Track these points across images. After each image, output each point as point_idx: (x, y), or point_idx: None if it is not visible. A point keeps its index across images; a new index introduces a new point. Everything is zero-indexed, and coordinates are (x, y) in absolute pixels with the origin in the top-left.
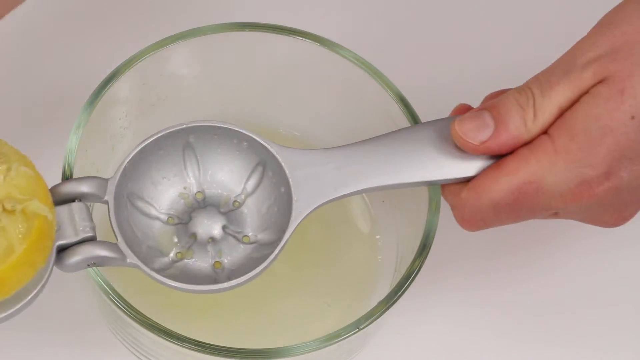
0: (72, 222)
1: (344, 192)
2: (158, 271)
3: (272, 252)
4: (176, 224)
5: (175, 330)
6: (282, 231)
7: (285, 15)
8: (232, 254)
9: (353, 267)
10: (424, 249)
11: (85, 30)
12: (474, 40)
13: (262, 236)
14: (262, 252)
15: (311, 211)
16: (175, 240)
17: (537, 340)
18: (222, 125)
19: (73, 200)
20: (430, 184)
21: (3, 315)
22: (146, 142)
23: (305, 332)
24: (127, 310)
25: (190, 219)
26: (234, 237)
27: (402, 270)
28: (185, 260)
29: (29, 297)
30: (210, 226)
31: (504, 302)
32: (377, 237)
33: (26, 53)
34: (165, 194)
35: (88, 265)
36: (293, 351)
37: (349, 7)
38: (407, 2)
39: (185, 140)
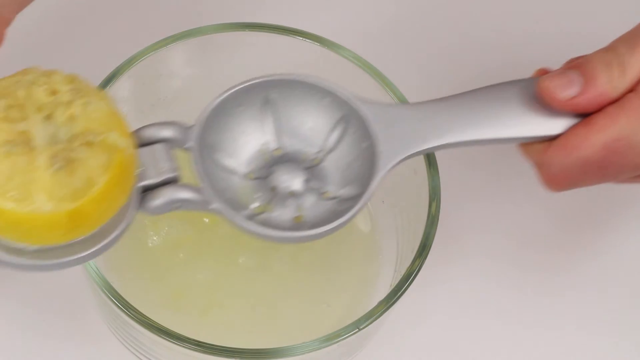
0: (155, 163)
1: (428, 145)
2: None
3: (355, 204)
4: (256, 179)
5: (175, 330)
6: (365, 185)
7: (286, 15)
8: (313, 209)
9: (353, 267)
10: (424, 249)
11: (85, 31)
12: (475, 41)
13: (343, 191)
14: (344, 205)
15: (395, 164)
16: (255, 194)
17: (540, 342)
18: (303, 80)
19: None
20: (514, 141)
21: (83, 254)
22: (226, 94)
23: (305, 332)
24: (127, 310)
25: (270, 173)
26: (315, 192)
27: (402, 271)
28: (266, 214)
29: (111, 238)
30: (290, 181)
31: (504, 302)
32: (377, 237)
33: (27, 53)
34: (244, 148)
35: (172, 208)
36: (293, 351)
37: (350, 7)
38: (408, 1)
39: (265, 95)
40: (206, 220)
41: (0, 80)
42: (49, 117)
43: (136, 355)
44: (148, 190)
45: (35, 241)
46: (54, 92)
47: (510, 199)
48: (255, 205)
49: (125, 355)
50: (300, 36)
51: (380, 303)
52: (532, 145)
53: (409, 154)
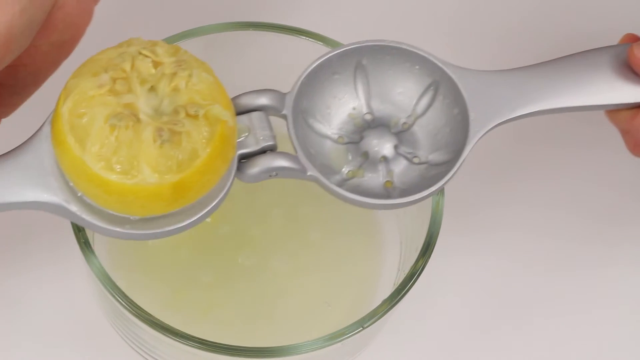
0: (253, 131)
1: (520, 112)
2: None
3: (446, 171)
4: (347, 143)
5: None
6: (455, 152)
7: (288, 14)
8: (404, 174)
9: (357, 266)
10: (428, 248)
11: (87, 29)
12: (478, 40)
13: (433, 157)
14: (434, 171)
15: (487, 131)
16: (347, 159)
17: (542, 343)
18: (396, 46)
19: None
20: (602, 108)
21: (185, 223)
22: (320, 60)
23: (309, 331)
24: (130, 307)
25: (361, 138)
26: (405, 157)
27: (406, 270)
28: (357, 179)
29: (211, 206)
30: (381, 145)
31: (506, 301)
32: (380, 236)
33: None
34: (335, 113)
35: (269, 176)
36: (297, 349)
37: (353, 6)
38: (411, 1)
39: (357, 61)
40: (208, 219)
41: (105, 51)
42: (153, 89)
43: (139, 353)
44: (246, 157)
45: (139, 212)
46: (157, 64)
47: (513, 198)
48: (346, 169)
49: (127, 352)
50: (304, 35)
51: (384, 302)
52: (620, 112)
53: (499, 122)
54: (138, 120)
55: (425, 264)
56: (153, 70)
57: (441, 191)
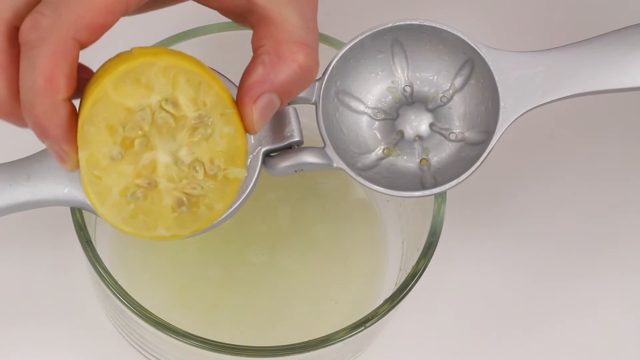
0: (280, 126)
1: (552, 97)
2: (362, 171)
3: (478, 154)
4: (384, 119)
5: (182, 328)
6: (487, 132)
7: None
8: (439, 152)
9: (359, 265)
10: (430, 248)
11: None
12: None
13: (468, 134)
14: (468, 152)
15: (518, 117)
16: (383, 136)
17: (542, 346)
18: (430, 24)
19: None
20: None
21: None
22: (354, 42)
23: (310, 330)
24: (133, 307)
25: (397, 115)
26: (441, 134)
27: (408, 269)
28: (392, 157)
29: (233, 208)
30: (417, 123)
31: (507, 303)
32: (383, 235)
33: None
34: (373, 88)
35: (296, 170)
36: (299, 349)
37: (354, 5)
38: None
39: (393, 38)
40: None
41: (123, 81)
42: (172, 136)
43: (141, 353)
44: (274, 152)
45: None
46: (179, 119)
47: (515, 199)
48: (382, 147)
49: (131, 353)
50: None
51: (386, 301)
52: None
53: (530, 107)
54: (156, 186)
55: (426, 264)
56: (174, 125)
57: (443, 192)
